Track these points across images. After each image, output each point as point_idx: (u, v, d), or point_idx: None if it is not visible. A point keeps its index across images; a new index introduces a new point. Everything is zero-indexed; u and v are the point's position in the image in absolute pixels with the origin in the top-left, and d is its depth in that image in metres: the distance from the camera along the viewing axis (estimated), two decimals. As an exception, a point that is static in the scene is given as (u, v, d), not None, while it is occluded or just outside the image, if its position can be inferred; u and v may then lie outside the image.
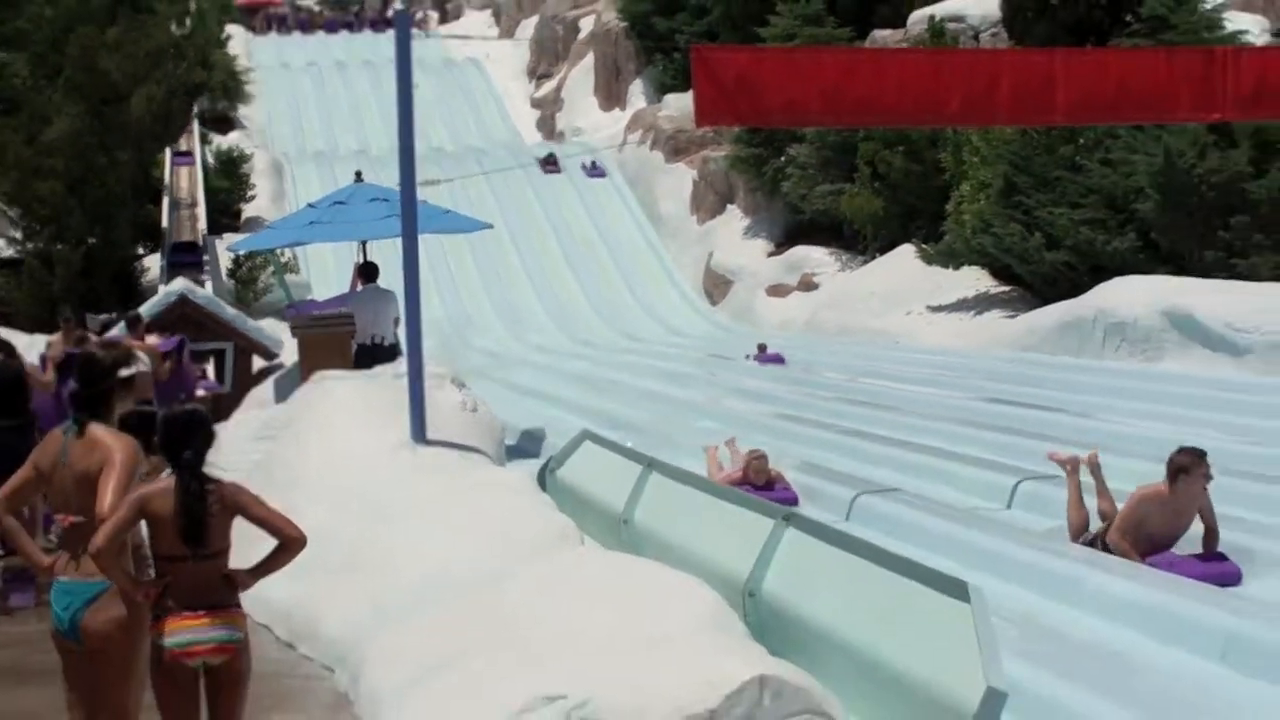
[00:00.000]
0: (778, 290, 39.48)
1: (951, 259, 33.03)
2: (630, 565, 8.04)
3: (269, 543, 6.01)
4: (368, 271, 18.17)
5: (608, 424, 18.86)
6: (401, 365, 13.82)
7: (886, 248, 37.19)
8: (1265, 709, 7.69)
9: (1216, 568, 10.36)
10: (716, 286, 42.24)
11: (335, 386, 13.57)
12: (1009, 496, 13.37)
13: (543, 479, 12.37)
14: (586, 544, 9.54)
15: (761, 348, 29.10)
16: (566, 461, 12.20)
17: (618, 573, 7.75)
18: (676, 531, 9.32)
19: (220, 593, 6.00)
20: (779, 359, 28.29)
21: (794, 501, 12.66)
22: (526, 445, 17.68)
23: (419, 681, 6.87)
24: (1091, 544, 11.07)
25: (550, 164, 48.93)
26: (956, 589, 5.93)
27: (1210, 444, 14.73)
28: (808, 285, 38.78)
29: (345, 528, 9.79)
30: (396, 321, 17.25)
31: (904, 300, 33.69)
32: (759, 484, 13.19)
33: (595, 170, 48.67)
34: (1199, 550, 10.68)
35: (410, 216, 12.57)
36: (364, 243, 19.67)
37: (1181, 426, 15.82)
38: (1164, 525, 10.70)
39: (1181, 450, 10.86)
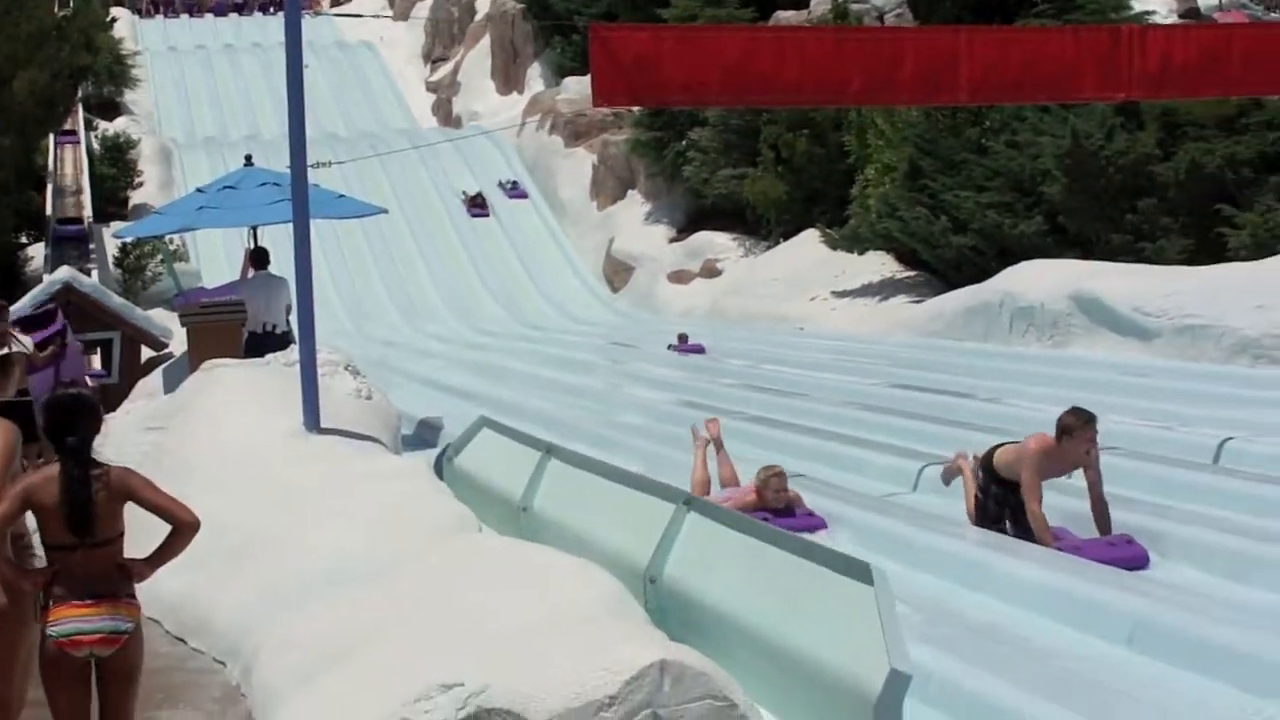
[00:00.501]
0: (680, 277, 39.33)
1: (856, 244, 33.02)
2: (529, 552, 7.85)
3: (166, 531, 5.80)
4: (259, 257, 17.85)
5: (507, 413, 18.61)
6: (294, 353, 13.55)
7: (790, 233, 37.11)
8: (1172, 693, 7.62)
9: (1123, 551, 10.31)
10: (617, 273, 42.04)
11: (226, 375, 13.28)
12: (914, 481, 13.32)
13: (440, 467, 12.15)
14: (484, 532, 9.34)
15: (682, 338, 28.62)
16: (464, 449, 11.98)
17: (516, 559, 7.57)
18: (576, 518, 9.14)
19: (113, 582, 5.76)
20: (700, 349, 27.86)
21: (821, 529, 11.30)
22: (424, 434, 17.47)
23: (313, 673, 6.67)
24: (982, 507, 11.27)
25: (478, 205, 45.40)
26: (859, 571, 5.78)
27: (1118, 428, 14.80)
28: (710, 271, 38.65)
29: (237, 518, 9.54)
30: (289, 309, 16.92)
31: (808, 286, 33.64)
32: (777, 507, 11.51)
33: (515, 190, 46.57)
34: (1093, 527, 10.77)
35: (302, 201, 12.30)
36: (255, 228, 19.36)
37: (1095, 411, 15.81)
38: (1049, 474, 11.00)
39: (1070, 410, 11.14)
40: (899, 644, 5.40)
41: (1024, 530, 10.80)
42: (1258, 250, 23.72)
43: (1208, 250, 25.13)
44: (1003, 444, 11.45)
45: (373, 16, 59.12)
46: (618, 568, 7.57)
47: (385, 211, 22.72)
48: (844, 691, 5.70)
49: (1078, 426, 10.91)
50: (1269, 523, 10.85)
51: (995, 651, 8.07)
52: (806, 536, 9.03)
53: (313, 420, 11.80)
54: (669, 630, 7.22)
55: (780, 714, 6.25)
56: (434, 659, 5.83)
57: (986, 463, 11.41)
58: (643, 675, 5.36)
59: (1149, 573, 10.11)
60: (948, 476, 12.28)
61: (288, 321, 17.06)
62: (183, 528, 5.76)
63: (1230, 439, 13.74)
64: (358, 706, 5.74)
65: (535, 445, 10.44)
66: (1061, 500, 11.22)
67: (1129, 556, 10.26)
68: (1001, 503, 11.11)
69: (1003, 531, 10.96)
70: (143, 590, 5.93)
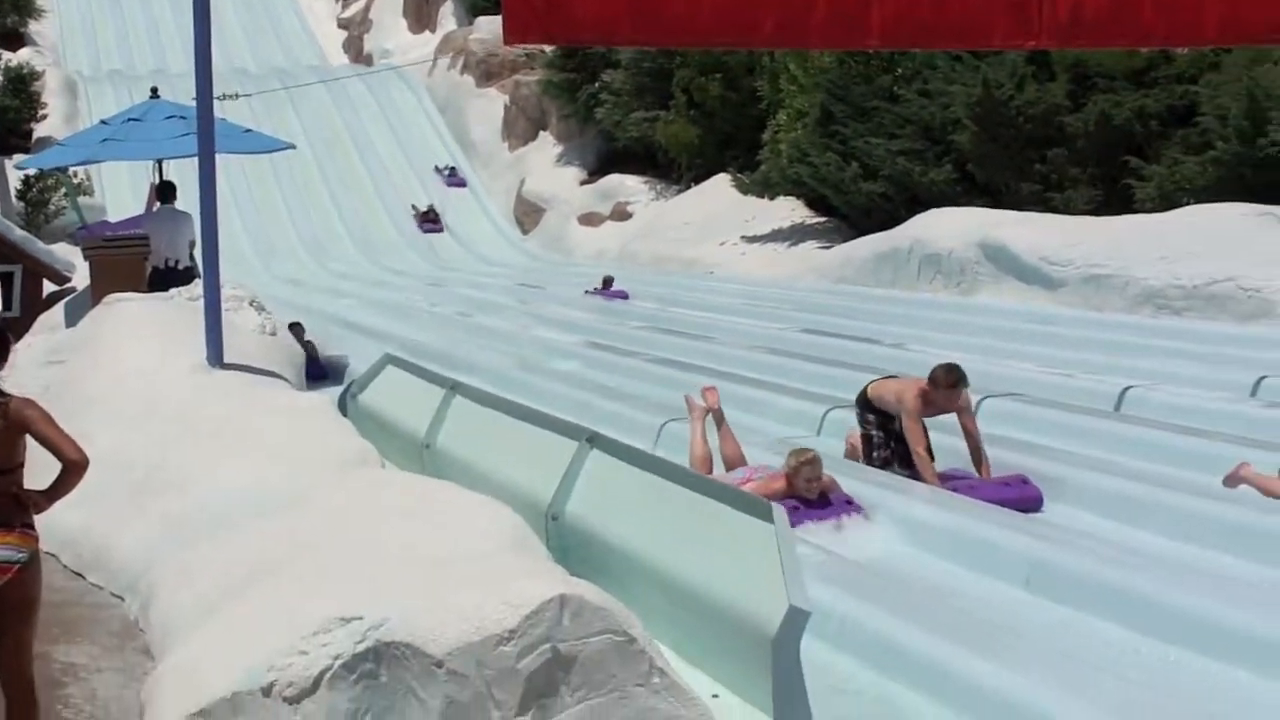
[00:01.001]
0: (590, 219, 39.26)
1: (767, 189, 33.05)
2: (431, 488, 7.82)
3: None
4: (164, 191, 17.65)
5: (414, 352, 18.56)
6: (197, 288, 13.43)
7: (702, 177, 37.11)
8: (1068, 634, 7.72)
9: (1018, 491, 10.41)
10: (528, 215, 41.90)
11: (128, 309, 13.13)
12: (819, 424, 13.38)
13: (344, 404, 12.08)
14: (387, 468, 9.30)
15: (607, 282, 28.19)
16: (368, 386, 11.92)
17: (418, 495, 7.53)
18: (479, 456, 9.12)
19: (8, 512, 5.65)
20: (623, 295, 27.51)
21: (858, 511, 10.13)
22: (330, 372, 17.37)
23: (212, 607, 6.61)
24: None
25: (430, 220, 41.92)
26: (759, 509, 5.80)
27: (1023, 375, 14.95)
28: (621, 214, 38.60)
29: (138, 452, 9.46)
30: (193, 244, 16.74)
31: (719, 230, 33.65)
32: (810, 498, 9.99)
33: (454, 178, 44.84)
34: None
35: (207, 134, 12.14)
36: (160, 162, 19.14)
37: (994, 358, 15.95)
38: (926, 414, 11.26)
39: (942, 366, 11.34)
40: (798, 581, 5.42)
41: (914, 471, 10.94)
42: (1163, 202, 23.92)
43: (1115, 201, 25.32)
44: (874, 380, 11.80)
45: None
46: (520, 505, 7.56)
47: (293, 147, 22.53)
48: (743, 628, 5.73)
49: (943, 384, 11.13)
50: (1165, 469, 10.99)
51: (895, 592, 8.13)
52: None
53: (216, 355, 11.68)
54: (570, 567, 7.22)
55: (681, 650, 6.26)
56: (333, 593, 5.79)
57: (862, 398, 11.57)
58: (542, 610, 5.35)
59: (1044, 515, 10.21)
60: None
61: (192, 257, 16.87)
62: (70, 466, 5.64)
63: (1131, 387, 13.88)
64: (255, 640, 5.69)
65: (439, 382, 10.40)
66: (955, 442, 11.32)
67: (1023, 498, 10.37)
68: (887, 438, 11.27)
69: (894, 472, 11.10)
70: (40, 524, 5.85)
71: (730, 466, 10.96)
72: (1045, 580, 8.29)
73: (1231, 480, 10.36)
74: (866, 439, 11.47)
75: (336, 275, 35.90)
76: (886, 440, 11.33)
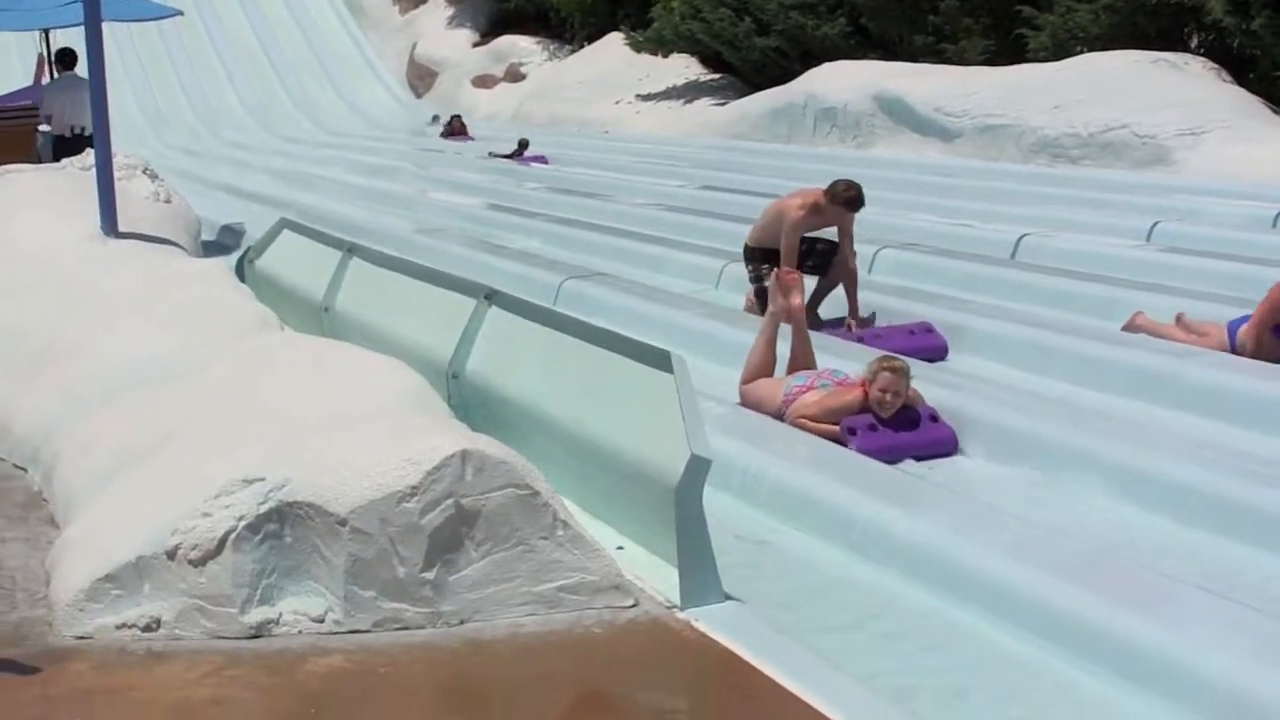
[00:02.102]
0: (484, 81, 38.92)
1: (660, 46, 32.89)
2: (331, 349, 7.77)
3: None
4: (64, 58, 17.30)
5: (312, 219, 18.37)
6: (89, 156, 13.21)
7: (595, 36, 36.84)
8: (975, 480, 7.82)
9: (923, 340, 10.49)
10: (421, 79, 41.47)
11: (19, 180, 12.92)
12: (717, 279, 13.41)
13: (241, 270, 11.97)
14: (287, 332, 9.23)
15: (522, 144, 27.43)
16: (265, 251, 11.80)
17: (318, 357, 7.48)
18: (379, 316, 9.07)
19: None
20: (542, 159, 26.86)
21: (950, 445, 8.42)
22: (226, 240, 17.18)
23: (114, 473, 6.57)
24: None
25: (458, 131, 33.04)
26: (659, 359, 5.81)
27: (920, 226, 15.02)
28: (514, 75, 38.30)
29: (33, 323, 9.31)
30: None
31: (613, 89, 33.50)
32: (885, 416, 8.38)
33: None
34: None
35: (93, 0, 11.91)
36: (47, 31, 18.78)
37: (893, 210, 15.98)
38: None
39: (845, 182, 11.36)
40: (699, 430, 5.44)
41: (816, 320, 11.00)
42: (1057, 51, 23.98)
43: (1008, 52, 25.37)
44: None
45: None
46: (421, 364, 7.53)
47: (180, 13, 22.16)
48: (646, 479, 5.75)
49: (841, 197, 11.21)
50: (1064, 315, 11.11)
51: (797, 440, 8.20)
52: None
53: (110, 224, 11.54)
54: (473, 424, 7.22)
55: (586, 505, 6.30)
56: (236, 455, 5.79)
57: (746, 250, 11.76)
58: (444, 465, 5.35)
59: (948, 363, 10.31)
60: None
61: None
62: None
63: (1027, 235, 13.98)
64: (158, 504, 5.69)
65: (336, 245, 10.29)
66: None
67: (929, 346, 10.45)
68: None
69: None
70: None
71: (794, 370, 9.28)
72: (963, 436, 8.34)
73: (1130, 329, 10.51)
74: (760, 293, 11.44)
75: (229, 144, 35.39)
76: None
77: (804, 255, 11.34)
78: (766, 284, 10.54)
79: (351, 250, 9.94)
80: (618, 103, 32.68)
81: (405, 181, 25.22)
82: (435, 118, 36.56)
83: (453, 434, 5.62)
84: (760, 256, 11.57)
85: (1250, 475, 7.07)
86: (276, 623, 5.40)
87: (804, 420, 8.46)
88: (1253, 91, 20.75)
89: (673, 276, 13.88)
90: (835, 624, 5.89)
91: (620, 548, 5.94)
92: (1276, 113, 20.04)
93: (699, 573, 5.48)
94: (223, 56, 42.48)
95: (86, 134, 16.43)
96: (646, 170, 23.51)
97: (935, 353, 10.44)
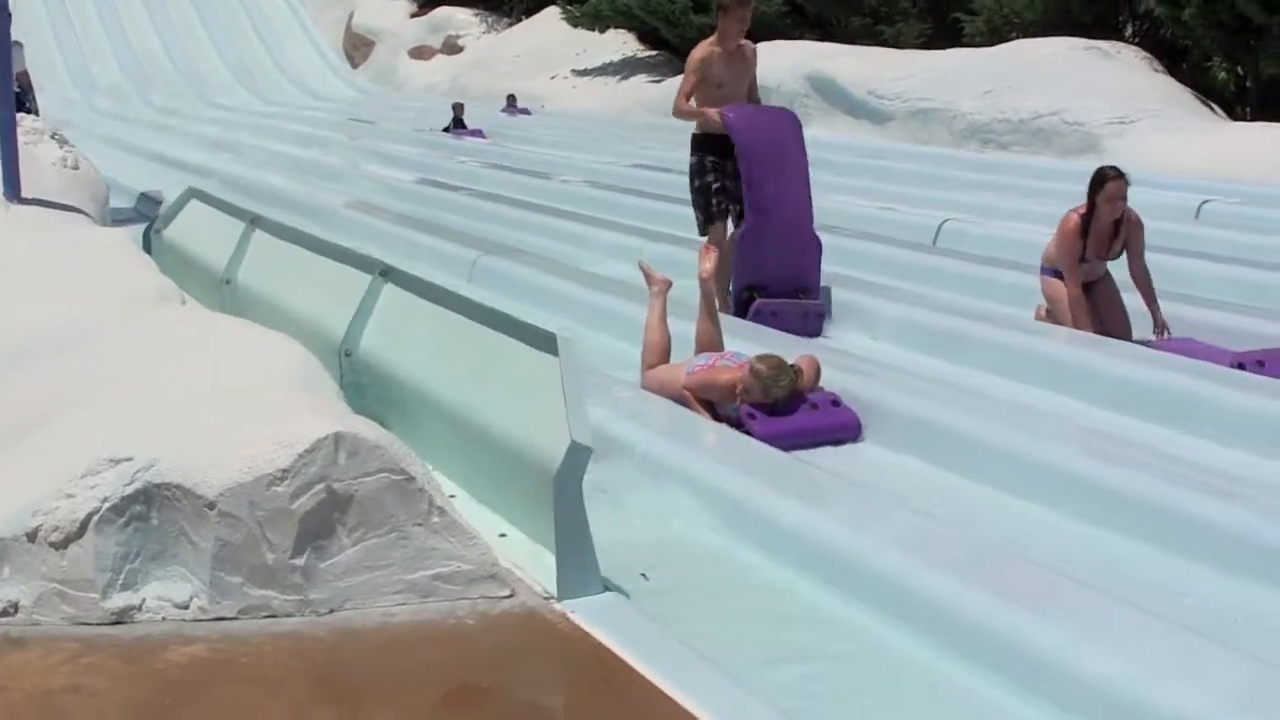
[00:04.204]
0: (421, 52, 38.69)
1: (597, 21, 32.74)
2: (221, 324, 7.57)
3: None
4: None
5: (241, 191, 18.19)
6: None
7: (533, 10, 36.68)
8: (887, 470, 7.72)
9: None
10: (357, 49, 41.18)
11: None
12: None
13: (149, 241, 11.74)
14: (187, 305, 9.02)
15: (457, 109, 27.37)
16: (173, 221, 11.56)
17: (206, 332, 7.29)
18: (279, 291, 8.86)
19: None
20: (479, 133, 26.75)
21: (854, 428, 8.25)
22: (145, 209, 16.93)
23: (-3, 449, 6.37)
24: None
25: (515, 106, 31.15)
26: (545, 342, 5.65)
27: (844, 209, 14.91)
28: (452, 48, 38.08)
29: (-75, 290, 9.09)
30: (23, 76, 16.49)
31: (550, 64, 33.37)
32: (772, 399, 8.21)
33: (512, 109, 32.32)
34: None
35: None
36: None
37: (823, 192, 15.82)
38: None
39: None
40: (581, 417, 5.29)
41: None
42: (992, 36, 24.02)
43: (945, 36, 25.33)
44: None
45: None
46: (317, 341, 7.37)
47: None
48: (529, 464, 5.60)
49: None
50: (980, 302, 11.05)
51: (698, 429, 8.05)
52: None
53: (12, 190, 11.32)
54: (365, 404, 7.08)
55: (472, 489, 6.16)
56: (107, 434, 5.60)
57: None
58: (316, 448, 5.18)
59: (854, 348, 10.18)
60: None
61: (21, 89, 16.50)
62: None
63: (949, 220, 13.91)
64: (24, 484, 5.50)
65: (240, 216, 10.05)
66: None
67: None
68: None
69: None
70: None
71: (701, 351, 8.99)
72: (869, 423, 8.21)
73: (1039, 317, 10.48)
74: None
75: (159, 110, 34.99)
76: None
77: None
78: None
79: (254, 221, 9.70)
80: (554, 77, 32.55)
81: (337, 153, 24.99)
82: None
83: (327, 415, 5.44)
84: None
85: (1147, 469, 6.98)
86: (139, 609, 5.21)
87: (686, 391, 8.41)
88: (1184, 82, 20.79)
89: (595, 253, 13.76)
90: (718, 615, 5.75)
91: (503, 535, 5.79)
92: (1205, 104, 20.06)
93: (577, 563, 5.33)
94: (155, 19, 42.00)
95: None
96: (577, 146, 23.35)
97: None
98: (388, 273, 7.34)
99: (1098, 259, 10.14)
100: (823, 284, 11.22)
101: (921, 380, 8.83)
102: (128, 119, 32.74)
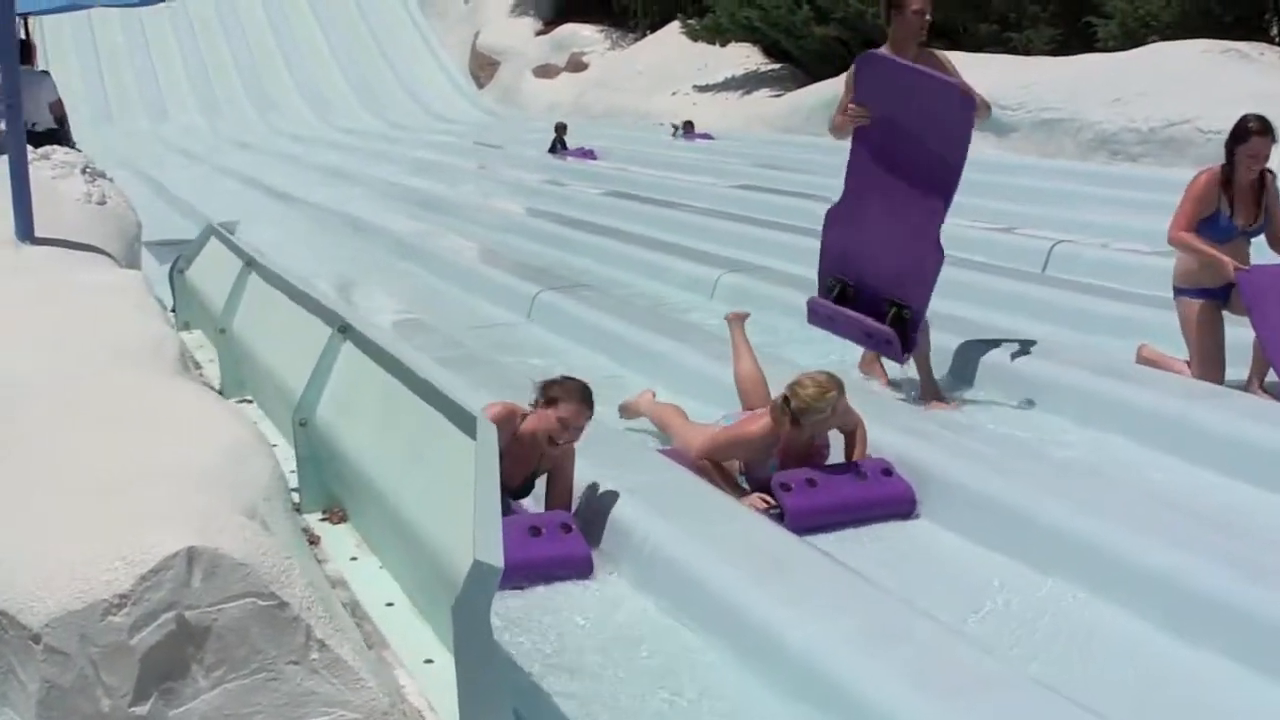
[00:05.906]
0: (546, 71, 38.08)
1: (718, 34, 31.97)
2: (179, 392, 6.56)
3: None
4: (21, 52, 16.40)
5: (351, 227, 17.48)
6: (49, 152, 12.28)
7: (658, 25, 35.99)
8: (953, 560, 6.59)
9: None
10: (483, 69, 40.70)
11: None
12: (712, 289, 12.29)
13: (174, 281, 10.89)
14: (168, 363, 8.07)
15: (559, 130, 26.42)
16: (195, 260, 10.67)
17: (151, 400, 6.28)
18: (264, 345, 7.85)
19: None
20: (590, 154, 25.70)
21: (907, 501, 7.05)
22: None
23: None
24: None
25: (691, 130, 28.53)
26: (465, 421, 4.58)
27: (957, 233, 13.67)
28: (577, 65, 37.41)
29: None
30: (56, 105, 15.81)
31: (671, 80, 32.61)
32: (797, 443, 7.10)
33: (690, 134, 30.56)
34: None
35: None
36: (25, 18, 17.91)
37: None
38: None
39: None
40: (490, 526, 4.19)
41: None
42: (1126, 40, 22.76)
43: (1077, 40, 24.13)
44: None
45: None
46: (286, 408, 6.39)
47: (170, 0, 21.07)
48: (445, 577, 4.56)
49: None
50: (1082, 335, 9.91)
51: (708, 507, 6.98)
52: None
53: (25, 229, 10.49)
54: (325, 486, 6.08)
55: (411, 594, 5.14)
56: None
57: None
58: (163, 568, 4.15)
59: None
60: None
61: (58, 120, 15.87)
62: None
63: (1060, 243, 12.77)
64: None
65: (240, 256, 9.07)
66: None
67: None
68: None
69: None
70: None
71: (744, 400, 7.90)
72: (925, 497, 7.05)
73: (1142, 358, 9.19)
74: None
75: (288, 137, 34.43)
76: None
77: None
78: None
79: (250, 264, 8.68)
80: (675, 94, 31.66)
81: (462, 182, 23.95)
82: (672, 125, 29.06)
83: (183, 525, 4.39)
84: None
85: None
86: (-40, 763, 4.25)
87: (704, 462, 7.17)
88: (1334, 84, 19.31)
89: (672, 286, 12.79)
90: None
91: (429, 661, 4.74)
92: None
93: (482, 710, 4.26)
94: (281, 41, 41.75)
95: (39, 129, 15.65)
96: (701, 168, 22.36)
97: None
98: (346, 329, 6.25)
99: (1238, 231, 8.81)
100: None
101: (988, 444, 7.62)
102: (253, 146, 32.09)
